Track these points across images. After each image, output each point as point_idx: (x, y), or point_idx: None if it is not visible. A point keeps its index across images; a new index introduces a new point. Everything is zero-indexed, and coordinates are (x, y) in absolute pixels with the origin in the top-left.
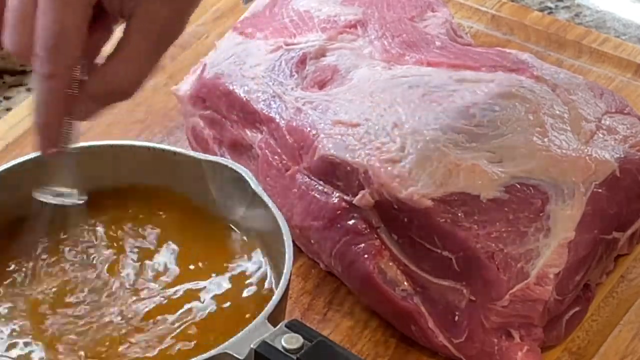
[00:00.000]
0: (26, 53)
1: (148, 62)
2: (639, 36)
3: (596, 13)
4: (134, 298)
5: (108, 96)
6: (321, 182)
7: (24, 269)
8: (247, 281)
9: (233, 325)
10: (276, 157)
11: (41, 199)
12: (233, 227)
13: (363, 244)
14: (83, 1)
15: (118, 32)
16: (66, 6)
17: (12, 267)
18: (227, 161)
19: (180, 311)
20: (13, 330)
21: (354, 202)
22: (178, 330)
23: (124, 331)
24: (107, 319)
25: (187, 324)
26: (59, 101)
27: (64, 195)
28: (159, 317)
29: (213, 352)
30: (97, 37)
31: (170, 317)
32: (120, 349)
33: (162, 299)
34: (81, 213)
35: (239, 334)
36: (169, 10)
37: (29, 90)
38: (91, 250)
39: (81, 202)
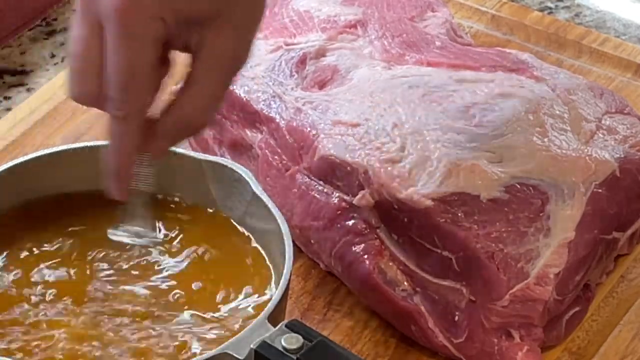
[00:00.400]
0: (96, 99)
1: (218, 95)
2: (639, 36)
3: (596, 13)
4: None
5: (181, 132)
6: (321, 182)
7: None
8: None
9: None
10: (276, 157)
11: (115, 239)
12: (233, 226)
13: (363, 244)
14: (153, 38)
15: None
16: (137, 44)
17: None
18: (227, 161)
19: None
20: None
21: (354, 202)
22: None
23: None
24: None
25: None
26: (133, 142)
27: (139, 234)
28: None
29: (213, 352)
30: (161, 72)
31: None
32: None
33: (162, 297)
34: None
35: (239, 334)
36: (235, 41)
37: (29, 90)
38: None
39: (157, 240)
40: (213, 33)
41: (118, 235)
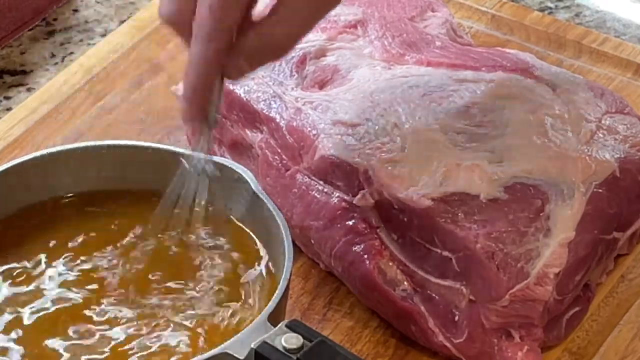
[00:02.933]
0: (183, 19)
1: (305, 23)
2: (639, 36)
3: (596, 13)
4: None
5: (262, 53)
6: (321, 182)
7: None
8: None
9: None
10: (276, 157)
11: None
12: (233, 226)
13: (363, 244)
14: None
15: None
16: None
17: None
18: (227, 161)
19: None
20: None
21: (354, 202)
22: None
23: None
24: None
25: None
26: (216, 65)
27: (204, 166)
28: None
29: (213, 352)
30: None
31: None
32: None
33: (161, 298)
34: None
35: (239, 334)
36: None
37: (29, 90)
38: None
39: (216, 174)
40: None
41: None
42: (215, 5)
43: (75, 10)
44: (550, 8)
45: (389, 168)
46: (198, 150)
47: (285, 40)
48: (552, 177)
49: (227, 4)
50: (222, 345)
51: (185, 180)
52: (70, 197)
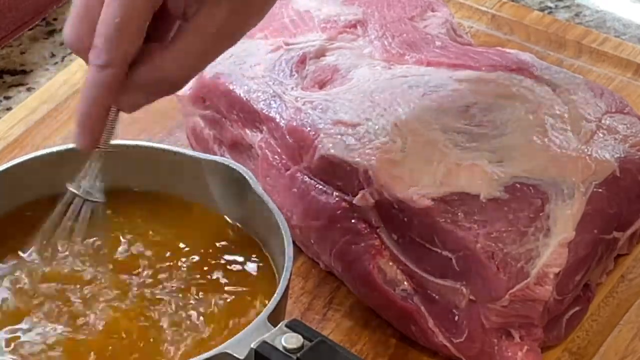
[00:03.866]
0: (83, 46)
1: (200, 59)
2: (639, 36)
3: (596, 13)
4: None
5: (155, 86)
6: (321, 182)
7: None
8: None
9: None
10: (276, 157)
11: (70, 190)
12: (233, 226)
13: (363, 244)
14: None
15: None
16: None
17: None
18: (227, 161)
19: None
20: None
21: (354, 202)
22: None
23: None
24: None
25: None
26: (109, 93)
27: (90, 192)
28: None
29: (213, 352)
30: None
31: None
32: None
33: (161, 297)
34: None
35: (239, 334)
36: (228, 12)
37: (29, 90)
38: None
39: (102, 201)
40: (210, 2)
41: (71, 188)
42: (111, 34)
43: None
44: (550, 8)
45: (389, 168)
46: (86, 176)
47: (178, 75)
48: (552, 177)
49: (121, 35)
50: (222, 345)
51: (70, 204)
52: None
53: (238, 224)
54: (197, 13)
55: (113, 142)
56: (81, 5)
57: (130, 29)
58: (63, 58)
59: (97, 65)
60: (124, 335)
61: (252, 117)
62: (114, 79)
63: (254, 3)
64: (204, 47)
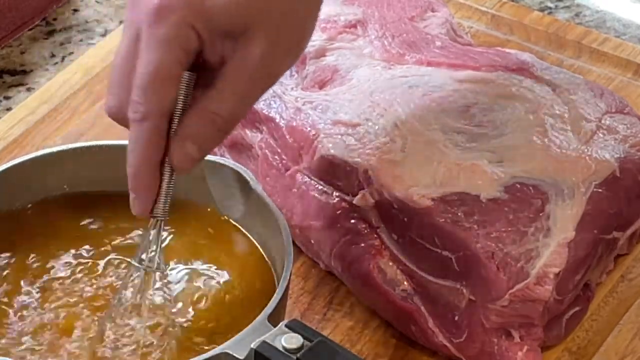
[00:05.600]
0: (123, 110)
1: (243, 99)
2: (639, 36)
3: (596, 13)
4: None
5: (203, 132)
6: (321, 182)
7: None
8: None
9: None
10: (276, 157)
11: (134, 265)
12: (233, 226)
13: (363, 244)
14: (180, 44)
15: None
16: (163, 46)
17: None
18: (227, 161)
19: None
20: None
21: (354, 202)
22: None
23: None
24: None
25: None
26: (153, 147)
27: (150, 265)
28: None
29: (213, 352)
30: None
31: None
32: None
33: (162, 297)
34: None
35: (239, 334)
36: (265, 50)
37: (29, 90)
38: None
39: (166, 273)
40: (244, 43)
41: (134, 262)
42: (145, 85)
43: (75, 10)
44: (550, 8)
45: (389, 168)
46: (146, 245)
47: (223, 117)
48: (552, 177)
49: (155, 84)
50: (222, 345)
51: (133, 276)
52: (70, 197)
53: (238, 224)
54: (233, 56)
55: (108, 143)
56: (117, 71)
57: (165, 77)
58: (63, 58)
59: (136, 120)
60: None
61: (252, 117)
62: (154, 132)
63: (287, 40)
64: (245, 86)
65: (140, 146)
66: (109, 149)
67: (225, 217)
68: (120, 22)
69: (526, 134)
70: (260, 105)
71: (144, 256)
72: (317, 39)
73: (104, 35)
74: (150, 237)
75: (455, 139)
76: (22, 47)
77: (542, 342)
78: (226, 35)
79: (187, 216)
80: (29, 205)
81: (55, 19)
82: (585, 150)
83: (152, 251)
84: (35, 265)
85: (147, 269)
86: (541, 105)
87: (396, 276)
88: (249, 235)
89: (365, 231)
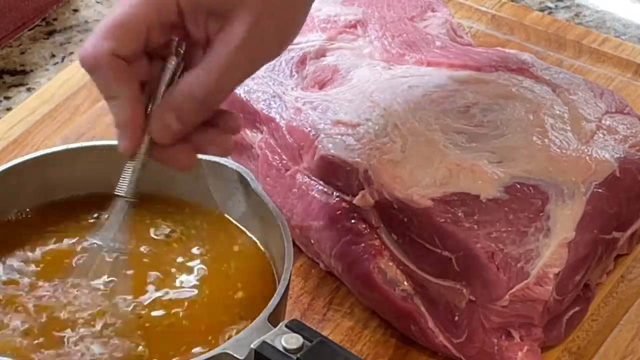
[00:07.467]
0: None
1: (224, 75)
2: (639, 36)
3: (596, 13)
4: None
5: (182, 105)
6: (321, 182)
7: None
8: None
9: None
10: (276, 157)
11: (95, 241)
12: (233, 226)
13: (363, 244)
14: (158, 6)
15: None
16: (140, 1)
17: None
18: (227, 161)
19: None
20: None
21: (354, 202)
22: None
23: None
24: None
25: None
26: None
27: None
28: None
29: (213, 352)
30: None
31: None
32: None
33: (161, 297)
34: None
35: (239, 334)
36: (250, 27)
37: (29, 90)
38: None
39: (125, 252)
40: (229, 23)
41: (94, 240)
42: (113, 29)
43: (75, 10)
44: (550, 8)
45: (389, 168)
46: (109, 227)
47: (204, 92)
48: (552, 177)
49: (122, 28)
50: (222, 345)
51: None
52: (70, 197)
53: (238, 224)
54: (219, 30)
55: (108, 143)
56: (102, 24)
57: (129, 27)
58: (63, 58)
59: (104, 57)
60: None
61: (252, 117)
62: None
63: (273, 24)
64: (226, 63)
65: (124, 82)
66: (109, 149)
67: (226, 217)
68: None
69: (526, 134)
70: (260, 105)
71: (106, 234)
72: (317, 39)
73: None
74: (113, 216)
75: (455, 139)
76: (22, 47)
77: (542, 343)
78: (210, 13)
79: (187, 216)
80: (29, 206)
81: (55, 19)
82: (585, 150)
83: (115, 231)
84: (31, 267)
85: (108, 249)
86: (541, 106)
87: (396, 276)
88: (249, 235)
89: (365, 231)
